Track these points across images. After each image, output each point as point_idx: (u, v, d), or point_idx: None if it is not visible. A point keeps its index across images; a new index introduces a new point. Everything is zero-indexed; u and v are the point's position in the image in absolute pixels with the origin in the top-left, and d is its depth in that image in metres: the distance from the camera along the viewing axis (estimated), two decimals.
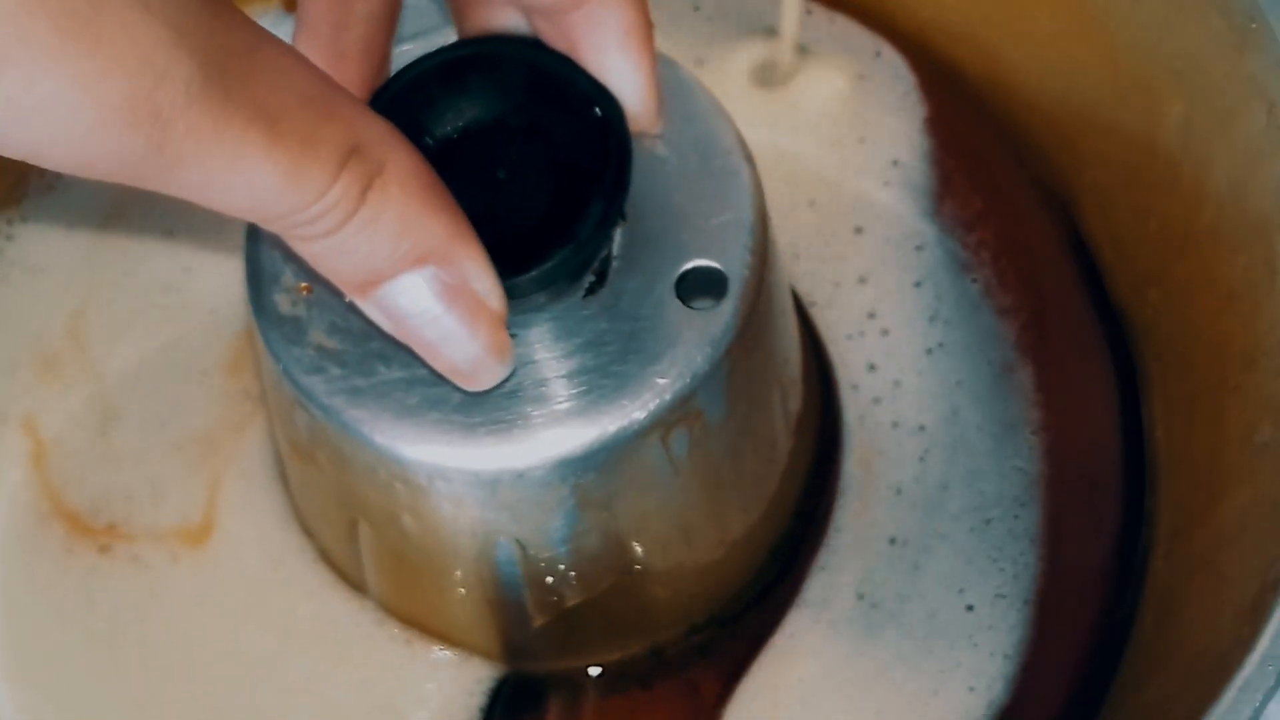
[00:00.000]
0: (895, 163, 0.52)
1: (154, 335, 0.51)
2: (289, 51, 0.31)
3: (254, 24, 0.30)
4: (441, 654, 0.46)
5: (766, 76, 0.53)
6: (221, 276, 0.51)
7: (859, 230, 0.51)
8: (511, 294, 0.36)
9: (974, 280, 0.50)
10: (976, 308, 0.50)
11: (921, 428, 0.49)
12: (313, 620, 0.47)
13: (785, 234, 0.48)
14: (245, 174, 0.29)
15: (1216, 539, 0.43)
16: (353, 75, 0.38)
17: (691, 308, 0.39)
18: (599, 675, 0.46)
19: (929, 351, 0.50)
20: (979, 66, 0.53)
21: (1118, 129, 0.49)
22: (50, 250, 0.52)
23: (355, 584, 0.47)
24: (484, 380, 0.36)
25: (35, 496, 0.49)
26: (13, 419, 0.50)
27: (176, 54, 0.28)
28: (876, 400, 0.49)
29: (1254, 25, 0.42)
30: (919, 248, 0.51)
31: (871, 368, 0.49)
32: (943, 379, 0.49)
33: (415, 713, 0.46)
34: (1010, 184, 0.52)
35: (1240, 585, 0.39)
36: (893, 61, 0.54)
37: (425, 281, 0.34)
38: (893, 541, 0.48)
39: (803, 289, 0.50)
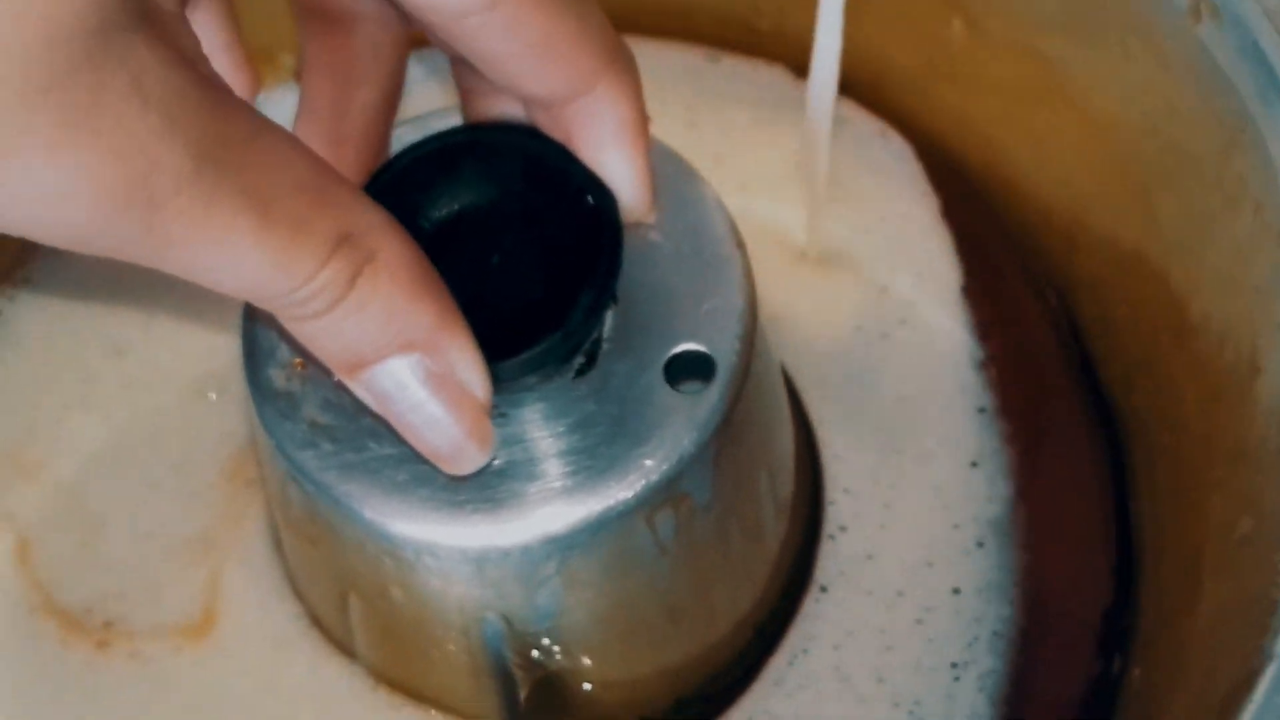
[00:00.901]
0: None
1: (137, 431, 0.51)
2: (287, 139, 0.32)
3: (253, 112, 0.31)
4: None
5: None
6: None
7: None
8: (500, 376, 0.37)
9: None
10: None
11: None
12: (315, 693, 0.47)
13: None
14: (233, 256, 0.30)
15: (1199, 630, 0.43)
16: (351, 160, 0.39)
17: (680, 391, 0.40)
18: None
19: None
20: (979, 157, 0.54)
21: (1111, 222, 0.50)
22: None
23: (345, 649, 0.47)
24: (464, 466, 0.37)
25: (23, 591, 0.49)
26: None
27: (170, 143, 0.29)
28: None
29: (1244, 132, 0.42)
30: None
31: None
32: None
33: None
34: (1015, 287, 0.53)
35: (1218, 678, 0.39)
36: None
37: (410, 368, 0.35)
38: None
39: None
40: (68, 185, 0.28)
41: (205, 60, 0.31)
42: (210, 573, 0.49)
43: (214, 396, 0.51)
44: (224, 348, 0.51)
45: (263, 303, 0.33)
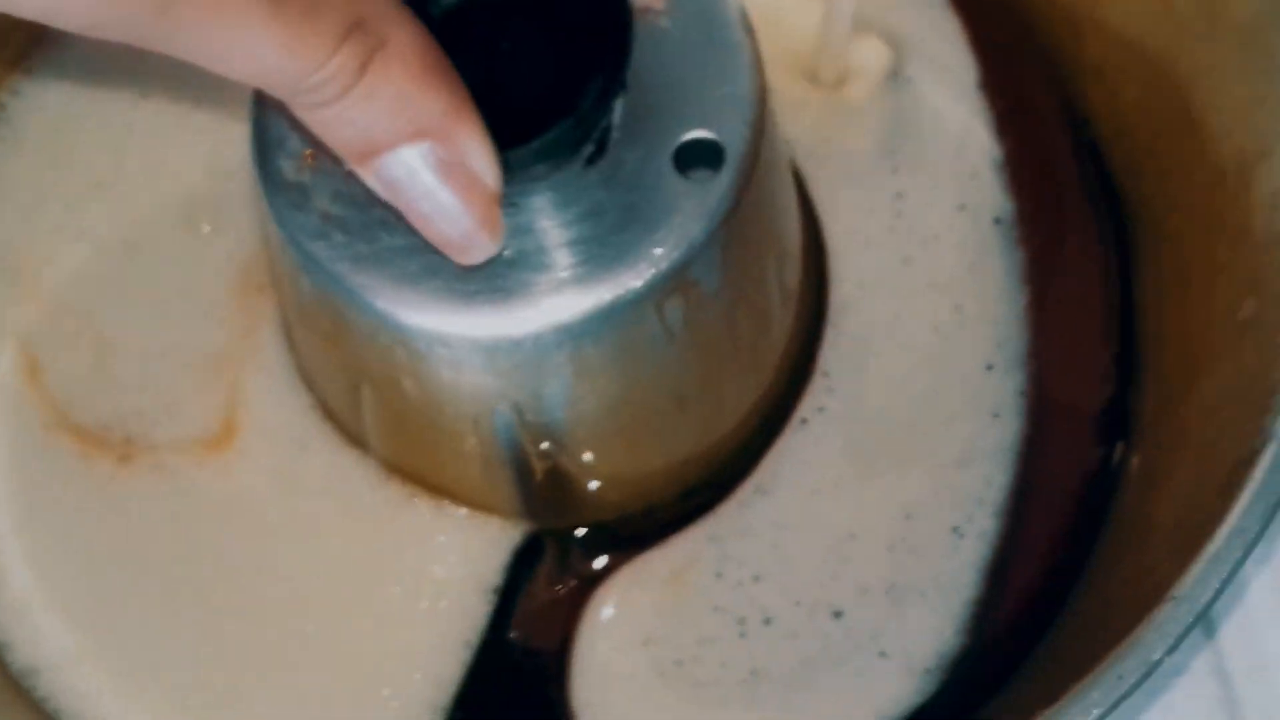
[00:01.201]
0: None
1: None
2: None
3: None
4: (454, 510, 0.47)
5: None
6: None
7: None
8: (512, 164, 0.37)
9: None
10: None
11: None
12: (331, 489, 0.48)
13: None
14: (245, 41, 0.30)
15: (1199, 414, 0.44)
16: None
17: (689, 178, 0.40)
18: (590, 533, 0.47)
19: None
20: None
21: (1121, 8, 0.49)
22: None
23: (357, 440, 0.48)
24: (475, 255, 0.37)
25: (36, 408, 0.49)
26: None
27: None
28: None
29: None
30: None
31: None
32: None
33: (435, 567, 0.47)
34: (1029, 81, 0.53)
35: (1218, 460, 0.40)
36: None
37: (421, 156, 0.35)
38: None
39: None
40: None
41: None
42: (228, 385, 0.49)
43: (206, 229, 0.51)
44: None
45: (274, 89, 0.33)
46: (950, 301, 0.50)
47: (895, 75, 0.52)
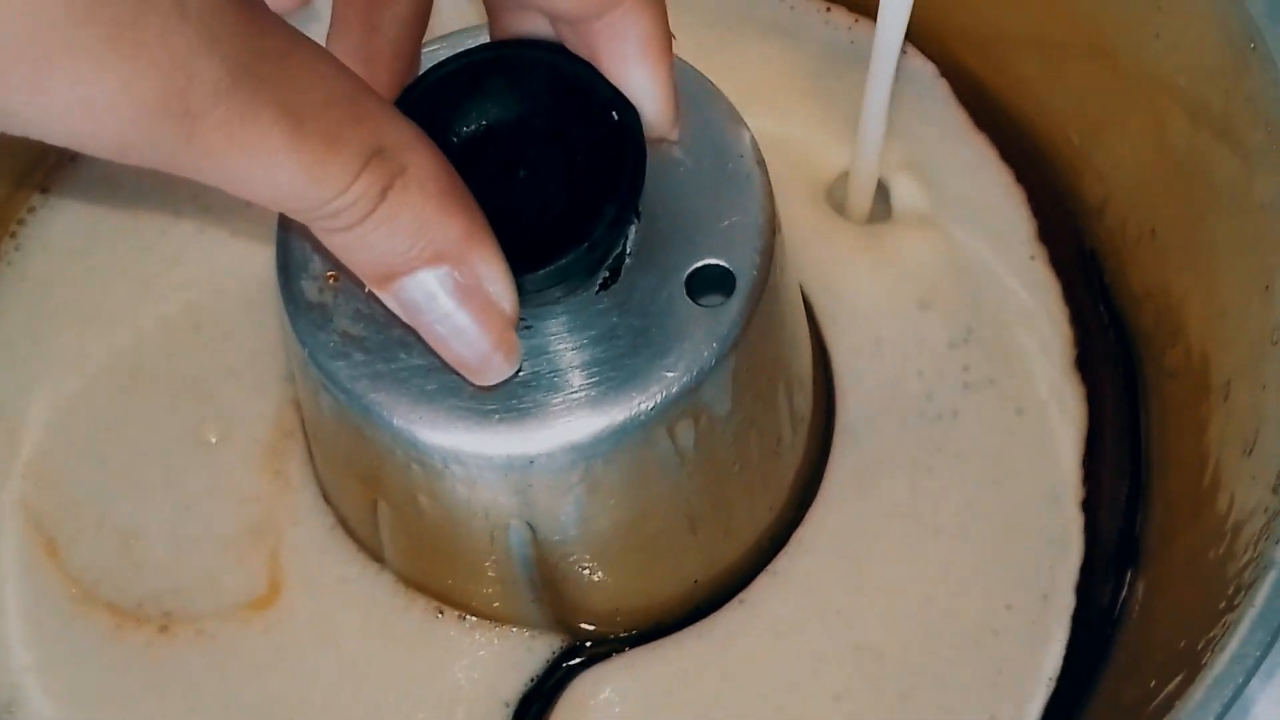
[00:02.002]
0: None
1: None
2: (322, 55, 0.33)
3: (289, 29, 0.32)
4: (476, 623, 0.48)
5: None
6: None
7: None
8: (527, 288, 0.38)
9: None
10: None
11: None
12: (368, 619, 0.49)
13: None
14: (269, 167, 0.31)
15: (1202, 539, 0.44)
16: (383, 77, 0.40)
17: (701, 305, 0.41)
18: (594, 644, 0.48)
19: None
20: (996, 78, 0.55)
21: (1127, 140, 0.51)
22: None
23: (374, 554, 0.48)
24: (490, 376, 0.38)
25: (60, 586, 0.49)
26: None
27: (208, 58, 0.30)
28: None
29: (1253, 46, 0.43)
30: None
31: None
32: None
33: (460, 682, 0.48)
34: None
35: (1220, 585, 0.41)
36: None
37: (439, 279, 0.36)
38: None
39: None
40: (111, 97, 0.29)
41: None
42: (269, 550, 0.49)
43: (214, 439, 0.51)
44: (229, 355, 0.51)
45: (296, 214, 0.34)
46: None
47: (924, 215, 0.53)
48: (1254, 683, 0.37)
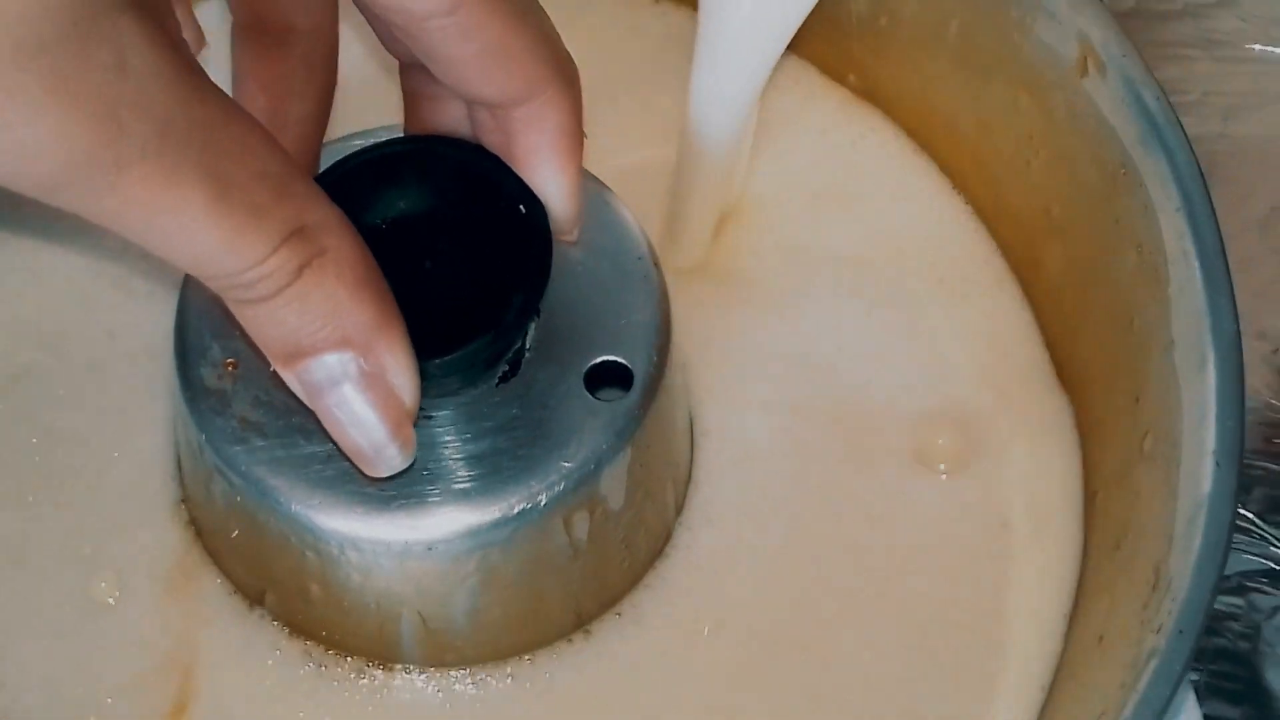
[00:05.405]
0: None
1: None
2: (258, 131, 0.34)
3: (229, 102, 0.33)
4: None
5: None
6: None
7: None
8: (430, 376, 0.39)
9: None
10: None
11: None
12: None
13: None
14: (188, 229, 0.32)
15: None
16: None
17: (598, 399, 0.42)
18: None
19: None
20: None
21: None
22: None
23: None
24: (382, 468, 0.38)
25: None
26: None
27: (140, 115, 0.30)
28: None
29: (1123, 171, 0.45)
30: None
31: None
32: None
33: None
34: None
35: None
36: None
37: (344, 364, 0.36)
38: None
39: None
40: (42, 141, 0.30)
41: (187, 46, 0.32)
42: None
43: (112, 601, 0.46)
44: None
45: (211, 280, 0.34)
46: None
47: None
48: None
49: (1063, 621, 0.46)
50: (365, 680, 0.45)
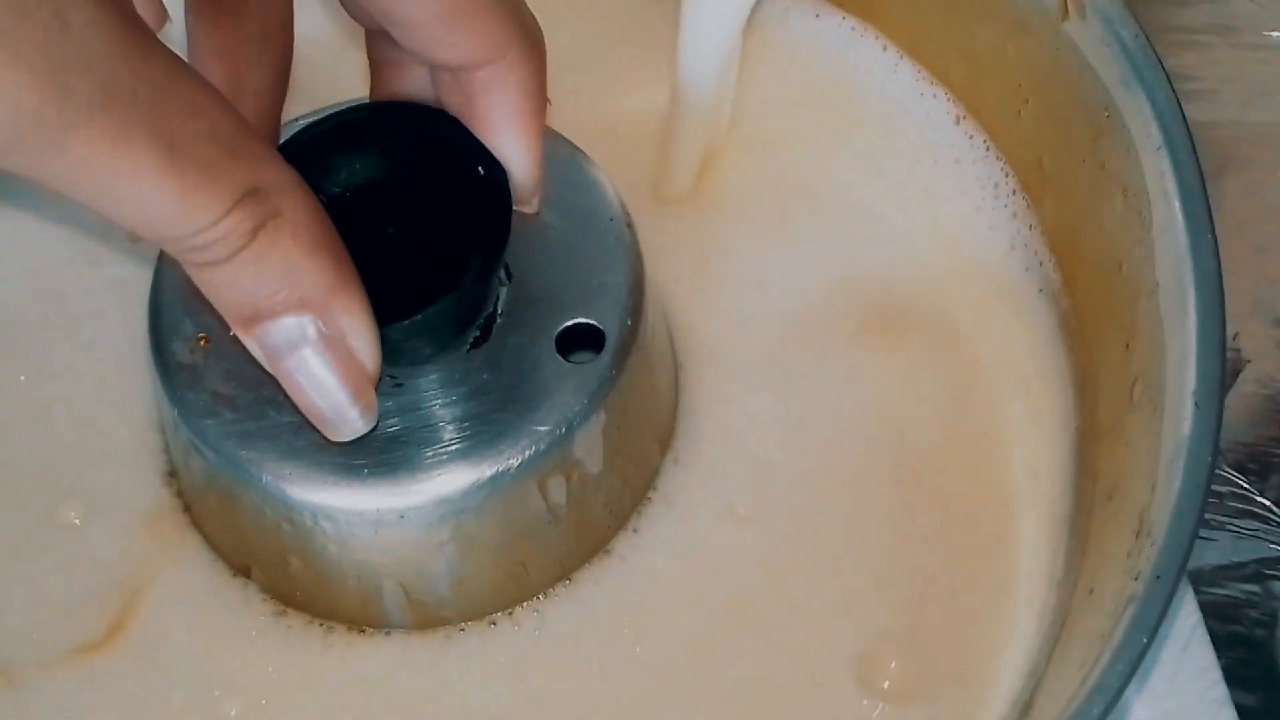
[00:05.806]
0: None
1: None
2: (208, 91, 0.33)
3: (177, 61, 0.33)
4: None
5: None
6: None
7: None
8: (395, 341, 0.38)
9: None
10: None
11: None
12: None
13: None
14: (138, 190, 0.32)
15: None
16: None
17: (571, 362, 0.42)
18: None
19: None
20: None
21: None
22: None
23: None
24: (344, 432, 0.38)
25: None
26: None
27: (84, 74, 0.30)
28: None
29: (1107, 114, 0.45)
30: None
31: None
32: None
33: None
34: None
35: None
36: None
37: (302, 327, 0.36)
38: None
39: None
40: None
41: (132, 4, 0.32)
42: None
43: (77, 520, 0.47)
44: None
45: (164, 242, 0.34)
46: None
47: None
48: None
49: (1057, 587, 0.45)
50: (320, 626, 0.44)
